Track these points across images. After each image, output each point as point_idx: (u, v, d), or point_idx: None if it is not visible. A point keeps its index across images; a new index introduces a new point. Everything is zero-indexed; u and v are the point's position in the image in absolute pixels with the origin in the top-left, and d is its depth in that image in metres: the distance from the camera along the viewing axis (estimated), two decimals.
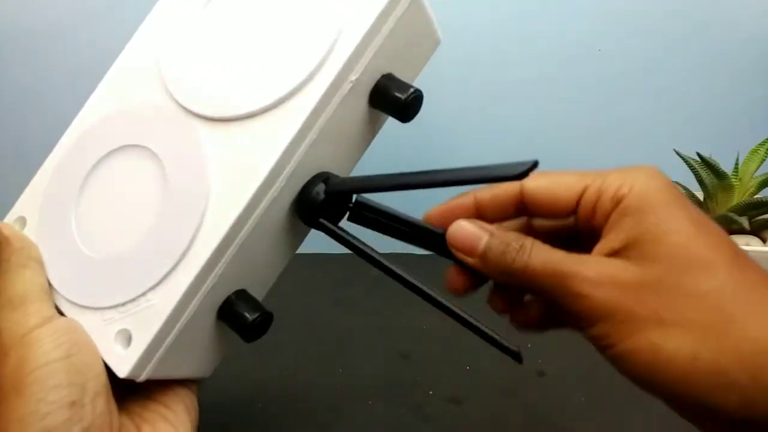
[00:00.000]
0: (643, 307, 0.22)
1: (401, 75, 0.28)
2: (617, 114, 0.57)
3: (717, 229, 0.23)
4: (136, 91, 0.29)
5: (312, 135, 0.26)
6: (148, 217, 0.26)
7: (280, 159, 0.25)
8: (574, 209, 0.26)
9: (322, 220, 0.27)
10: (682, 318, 0.22)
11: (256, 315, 0.26)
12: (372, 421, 0.40)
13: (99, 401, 0.23)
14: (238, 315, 0.26)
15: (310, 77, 0.25)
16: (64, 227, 0.27)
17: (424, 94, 0.28)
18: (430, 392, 0.42)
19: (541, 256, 0.24)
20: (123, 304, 0.25)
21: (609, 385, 0.42)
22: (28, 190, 0.30)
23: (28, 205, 0.29)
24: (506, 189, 0.27)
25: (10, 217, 0.29)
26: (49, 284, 0.26)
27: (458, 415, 0.40)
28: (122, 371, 0.24)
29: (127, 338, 0.25)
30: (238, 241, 0.25)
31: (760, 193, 0.47)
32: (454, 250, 0.26)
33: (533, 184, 0.27)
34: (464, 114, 0.56)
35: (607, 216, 0.25)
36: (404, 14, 0.27)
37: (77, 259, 0.27)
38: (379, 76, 0.27)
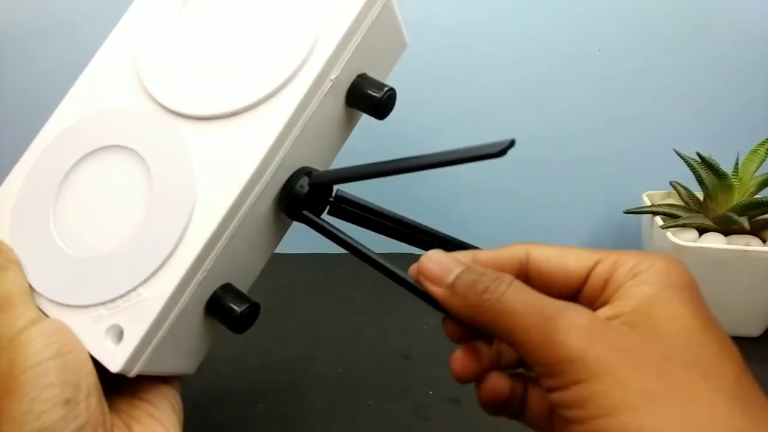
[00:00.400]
0: (637, 380, 0.18)
1: (374, 75, 0.29)
2: (617, 114, 0.57)
3: (728, 340, 0.21)
4: (112, 91, 0.29)
5: (296, 131, 0.27)
6: (134, 216, 0.26)
7: (267, 155, 0.26)
8: (583, 283, 0.23)
9: (305, 212, 0.28)
10: (677, 408, 0.18)
11: (244, 307, 0.26)
12: (372, 421, 0.40)
13: (92, 399, 0.23)
14: (226, 308, 0.27)
15: (293, 75, 0.26)
16: (43, 229, 0.27)
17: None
18: (430, 392, 0.42)
19: (522, 293, 0.21)
20: (112, 300, 0.25)
21: None
22: None
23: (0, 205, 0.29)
24: (511, 252, 0.24)
25: None
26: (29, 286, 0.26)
27: (458, 415, 0.40)
28: (115, 366, 0.24)
29: (118, 333, 0.25)
30: (225, 236, 0.26)
31: (760, 193, 0.47)
32: (423, 280, 0.24)
33: (542, 252, 0.24)
34: (463, 114, 0.56)
35: (619, 289, 0.22)
36: (377, 17, 0.28)
37: (59, 260, 0.27)
38: (354, 76, 0.29)
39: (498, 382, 0.25)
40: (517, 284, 0.22)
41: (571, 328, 0.19)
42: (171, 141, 0.27)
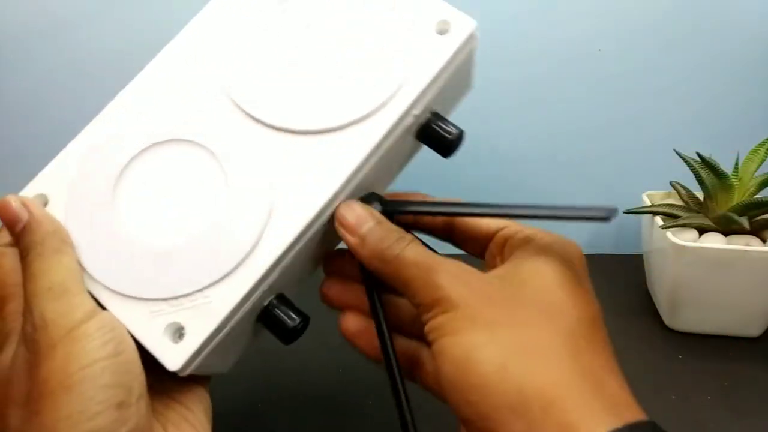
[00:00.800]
0: (485, 312, 0.23)
1: (442, 113, 0.30)
2: (617, 114, 0.57)
3: (592, 304, 0.25)
4: (192, 85, 0.29)
5: (374, 158, 0.27)
6: (205, 216, 0.26)
7: (349, 176, 0.26)
8: (489, 241, 0.28)
9: None
10: (512, 335, 0.22)
11: (298, 321, 0.27)
12: (372, 421, 0.40)
13: (142, 403, 0.23)
14: (280, 319, 0.27)
15: (382, 105, 0.27)
16: (104, 212, 0.27)
17: None
18: None
19: (415, 250, 0.25)
20: (176, 298, 0.25)
21: None
22: (52, 167, 0.28)
23: (52, 182, 0.28)
24: None
25: (28, 192, 0.28)
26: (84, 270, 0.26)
27: None
28: (173, 365, 0.24)
29: (177, 331, 0.25)
30: (296, 248, 0.26)
31: (760, 193, 0.47)
32: (338, 226, 0.27)
33: None
34: (462, 114, 0.56)
35: (513, 251, 0.26)
36: (463, 60, 0.29)
37: (119, 247, 0.26)
38: (428, 112, 0.29)
39: (352, 320, 0.30)
40: (415, 243, 0.26)
41: (444, 274, 0.24)
42: (253, 147, 0.27)
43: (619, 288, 0.54)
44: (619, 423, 0.20)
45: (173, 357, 0.24)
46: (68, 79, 0.55)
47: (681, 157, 0.48)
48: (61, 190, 0.28)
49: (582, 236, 0.61)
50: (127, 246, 0.26)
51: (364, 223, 0.26)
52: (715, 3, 0.53)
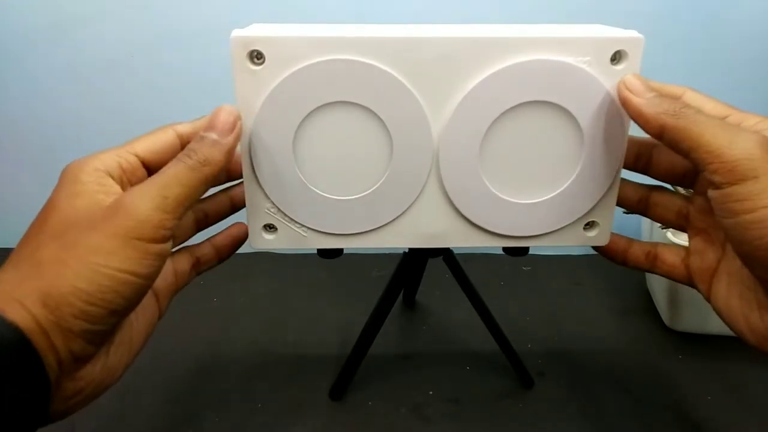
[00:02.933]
0: None
1: None
2: None
3: None
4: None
5: None
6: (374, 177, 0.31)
7: None
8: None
9: None
10: None
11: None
12: (372, 421, 0.40)
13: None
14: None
15: None
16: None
17: None
18: (430, 392, 0.42)
19: (705, 113, 0.26)
20: (288, 217, 0.31)
21: (601, 388, 0.42)
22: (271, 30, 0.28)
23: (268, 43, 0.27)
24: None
25: (241, 40, 0.27)
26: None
27: (458, 415, 0.40)
28: (254, 244, 0.32)
29: (270, 228, 0.32)
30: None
31: None
32: (623, 89, 0.28)
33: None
34: None
35: None
36: None
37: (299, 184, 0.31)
38: None
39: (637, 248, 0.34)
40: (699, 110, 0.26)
41: (750, 137, 0.24)
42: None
43: (619, 288, 0.55)
44: None
45: (259, 241, 0.32)
46: (68, 78, 0.55)
47: None
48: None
49: None
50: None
51: (648, 90, 0.28)
52: (715, 3, 0.53)
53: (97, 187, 0.25)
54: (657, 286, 0.50)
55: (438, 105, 0.29)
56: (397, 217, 0.31)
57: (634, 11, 0.53)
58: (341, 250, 0.33)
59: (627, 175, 0.33)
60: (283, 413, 0.40)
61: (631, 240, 0.34)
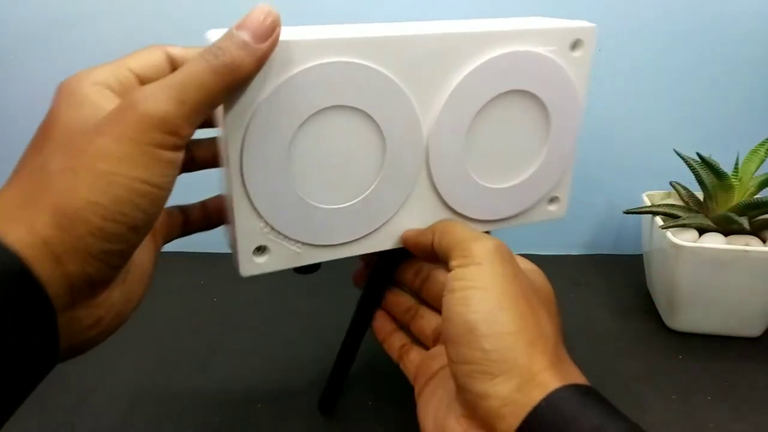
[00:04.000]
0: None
1: None
2: (617, 113, 0.57)
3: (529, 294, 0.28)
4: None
5: None
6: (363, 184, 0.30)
7: None
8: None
9: None
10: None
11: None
12: (372, 421, 0.40)
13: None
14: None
15: None
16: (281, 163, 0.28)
17: None
18: None
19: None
20: (282, 235, 0.30)
21: (601, 388, 0.42)
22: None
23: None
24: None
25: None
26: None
27: None
28: (244, 271, 0.30)
29: (261, 250, 0.30)
30: None
31: (760, 193, 0.47)
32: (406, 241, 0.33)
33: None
34: None
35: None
36: None
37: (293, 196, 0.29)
38: None
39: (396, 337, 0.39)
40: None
41: (482, 245, 0.28)
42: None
43: (619, 288, 0.55)
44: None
45: (248, 266, 0.30)
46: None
47: (681, 157, 0.48)
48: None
49: (582, 236, 0.61)
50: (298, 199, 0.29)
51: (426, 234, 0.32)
52: (715, 3, 0.53)
53: (99, 96, 0.23)
54: (657, 286, 0.50)
55: (427, 101, 0.29)
56: (389, 219, 0.31)
57: (634, 10, 0.53)
58: (319, 265, 0.33)
59: None
60: (284, 413, 0.40)
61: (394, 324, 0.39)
